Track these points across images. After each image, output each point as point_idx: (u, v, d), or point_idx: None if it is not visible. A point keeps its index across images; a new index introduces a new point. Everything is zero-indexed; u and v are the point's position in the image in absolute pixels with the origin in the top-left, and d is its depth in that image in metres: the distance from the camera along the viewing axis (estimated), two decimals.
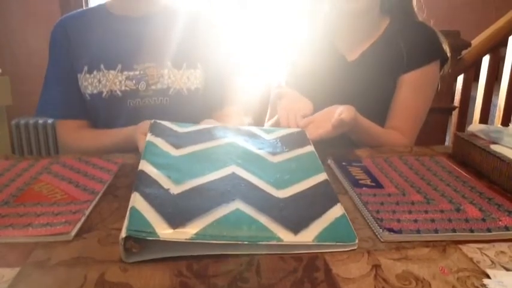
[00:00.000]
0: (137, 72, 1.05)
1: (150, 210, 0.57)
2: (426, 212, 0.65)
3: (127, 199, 0.68)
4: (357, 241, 0.57)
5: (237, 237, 0.55)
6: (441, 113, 2.00)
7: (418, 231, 0.59)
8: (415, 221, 0.62)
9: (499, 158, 0.76)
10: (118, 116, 1.06)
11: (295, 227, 0.57)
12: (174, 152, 0.74)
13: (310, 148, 0.81)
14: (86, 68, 1.05)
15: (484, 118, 2.18)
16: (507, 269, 0.52)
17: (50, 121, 2.68)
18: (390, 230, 0.59)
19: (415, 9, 1.14)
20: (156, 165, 0.68)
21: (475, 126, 0.93)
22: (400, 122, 1.10)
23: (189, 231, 0.54)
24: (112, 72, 1.04)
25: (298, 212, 0.61)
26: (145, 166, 0.68)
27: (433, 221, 0.62)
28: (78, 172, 0.79)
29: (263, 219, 0.58)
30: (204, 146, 0.77)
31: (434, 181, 0.76)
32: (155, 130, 0.79)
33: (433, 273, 0.51)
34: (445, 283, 0.49)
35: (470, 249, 0.56)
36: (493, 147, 0.82)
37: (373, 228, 0.61)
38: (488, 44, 2.05)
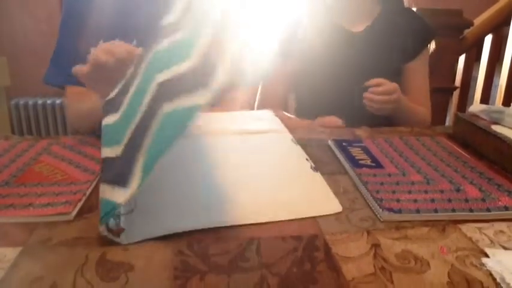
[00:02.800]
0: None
1: (107, 188, 0.56)
2: (426, 192, 0.65)
3: None
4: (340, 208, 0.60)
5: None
6: (442, 93, 1.99)
7: (418, 211, 0.59)
8: (415, 200, 0.62)
9: (500, 139, 0.76)
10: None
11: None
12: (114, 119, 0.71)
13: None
14: (101, 42, 1.03)
15: (485, 98, 2.17)
16: (506, 248, 0.52)
17: (49, 101, 2.67)
18: (390, 210, 0.59)
19: None
20: (109, 143, 0.66)
21: (476, 106, 0.93)
22: (419, 99, 1.21)
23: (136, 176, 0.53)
24: None
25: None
26: (103, 152, 0.65)
27: (432, 200, 0.62)
28: (79, 153, 0.79)
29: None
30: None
31: (434, 161, 0.76)
32: (107, 107, 0.76)
33: (432, 252, 0.52)
34: (444, 262, 0.50)
35: (469, 229, 0.57)
36: (494, 127, 0.82)
37: (372, 208, 0.61)
38: (491, 23, 2.02)
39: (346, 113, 1.06)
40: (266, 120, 0.90)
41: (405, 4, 1.27)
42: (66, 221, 0.57)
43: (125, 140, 0.60)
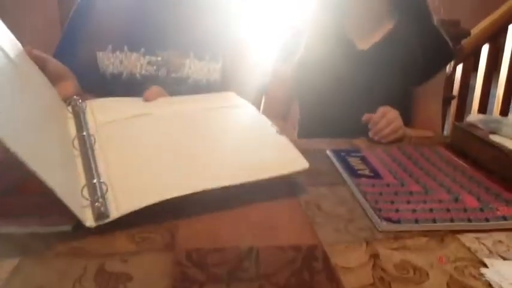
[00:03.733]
0: (159, 58, 1.04)
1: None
2: (424, 202, 0.65)
3: None
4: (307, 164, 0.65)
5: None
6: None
7: (417, 221, 0.59)
8: (414, 211, 0.62)
9: (498, 148, 0.76)
10: None
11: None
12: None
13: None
14: (110, 47, 1.04)
15: (483, 108, 2.18)
16: (504, 258, 0.52)
17: None
18: (388, 220, 0.59)
19: (428, 5, 1.14)
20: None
21: (473, 116, 0.93)
22: (430, 126, 1.16)
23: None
24: (135, 54, 1.03)
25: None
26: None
27: (431, 210, 0.62)
28: None
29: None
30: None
31: (432, 171, 0.76)
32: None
33: (431, 262, 0.52)
34: (443, 272, 0.50)
35: (468, 239, 0.57)
36: (492, 137, 0.82)
37: (371, 218, 0.61)
38: (488, 33, 2.04)
39: (349, 126, 1.05)
40: (229, 98, 0.91)
41: (431, 15, 1.14)
42: (65, 232, 0.57)
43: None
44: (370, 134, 0.96)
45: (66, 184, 0.57)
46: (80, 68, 1.07)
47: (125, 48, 1.03)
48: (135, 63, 1.04)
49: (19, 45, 0.78)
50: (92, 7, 1.07)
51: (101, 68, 1.06)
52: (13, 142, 0.46)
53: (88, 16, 1.06)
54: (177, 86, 1.05)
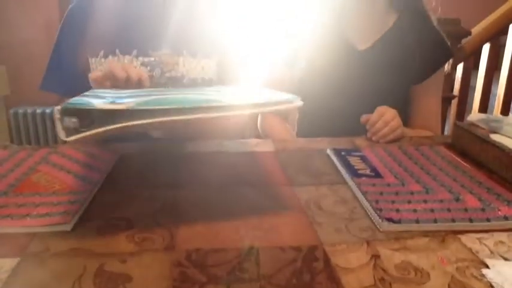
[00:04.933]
0: (152, 59, 1.04)
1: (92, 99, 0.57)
2: (425, 201, 0.65)
3: (126, 189, 0.68)
4: (299, 99, 0.61)
5: (181, 102, 0.55)
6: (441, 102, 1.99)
7: (417, 221, 0.59)
8: (414, 210, 0.62)
9: (499, 148, 0.76)
10: None
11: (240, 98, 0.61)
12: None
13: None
14: (102, 53, 1.04)
15: (484, 107, 2.18)
16: (506, 259, 0.52)
17: (48, 110, 2.67)
18: (389, 220, 0.59)
19: (425, 5, 1.14)
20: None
21: (474, 115, 0.93)
22: (429, 124, 1.15)
23: (129, 104, 0.53)
24: (127, 57, 1.03)
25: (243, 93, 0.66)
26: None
27: (432, 210, 0.62)
28: (77, 162, 0.78)
29: (205, 97, 0.60)
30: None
31: (433, 171, 0.76)
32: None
33: (432, 263, 0.51)
34: (444, 273, 0.49)
35: (469, 239, 0.56)
36: (493, 136, 0.82)
37: (372, 218, 0.61)
38: (489, 32, 2.03)
39: (349, 125, 1.05)
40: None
41: (428, 14, 1.14)
42: (64, 232, 0.57)
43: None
44: (368, 134, 0.96)
45: None
46: (75, 76, 1.07)
47: (117, 51, 1.03)
48: None
49: None
50: (81, 15, 1.06)
51: None
52: None
53: (78, 24, 1.06)
54: (173, 86, 1.04)
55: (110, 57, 1.03)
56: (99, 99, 0.58)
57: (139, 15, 1.05)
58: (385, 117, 0.95)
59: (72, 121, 0.51)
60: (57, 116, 0.50)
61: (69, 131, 0.51)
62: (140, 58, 1.03)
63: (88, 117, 0.51)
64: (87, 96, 0.62)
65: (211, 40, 1.08)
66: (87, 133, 0.50)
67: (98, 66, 1.04)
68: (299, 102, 0.58)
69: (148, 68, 1.04)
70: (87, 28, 1.05)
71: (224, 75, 1.11)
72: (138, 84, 0.85)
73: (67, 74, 1.07)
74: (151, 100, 0.56)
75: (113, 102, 0.54)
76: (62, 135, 0.51)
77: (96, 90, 0.70)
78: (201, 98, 0.59)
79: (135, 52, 1.03)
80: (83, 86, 1.06)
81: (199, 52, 1.07)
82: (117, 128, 0.51)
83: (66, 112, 0.51)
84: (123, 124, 0.51)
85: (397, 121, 0.97)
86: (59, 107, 0.51)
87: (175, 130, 0.94)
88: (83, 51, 1.05)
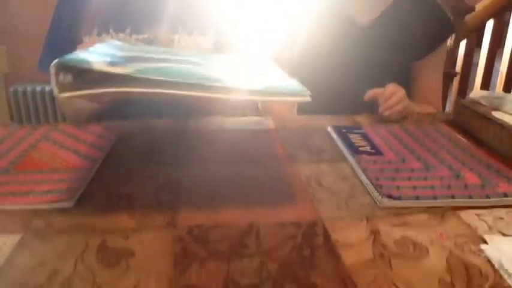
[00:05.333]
0: (146, 36, 1.03)
1: (90, 56, 0.54)
2: (425, 178, 0.65)
3: (127, 167, 0.68)
4: (309, 94, 0.55)
5: (182, 76, 0.52)
6: (443, 78, 1.98)
7: (417, 198, 0.59)
8: (414, 187, 0.62)
9: (500, 125, 0.76)
10: None
11: (243, 82, 0.56)
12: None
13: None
14: (95, 30, 1.03)
15: (486, 84, 2.16)
16: (504, 235, 0.53)
17: (47, 88, 2.65)
18: (389, 197, 0.59)
19: None
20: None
21: (476, 92, 0.92)
22: (430, 100, 1.14)
23: (127, 69, 0.51)
24: (121, 35, 1.02)
25: (247, 75, 0.61)
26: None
27: (432, 187, 0.62)
28: (77, 140, 0.78)
29: (209, 72, 0.57)
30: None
31: (434, 148, 0.76)
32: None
33: (431, 238, 0.52)
34: (443, 248, 0.50)
35: (468, 215, 0.57)
36: (495, 113, 0.81)
37: (372, 195, 0.61)
38: (492, 8, 2.00)
39: (350, 105, 1.04)
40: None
41: None
42: (66, 209, 0.57)
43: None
44: (381, 109, 0.95)
45: None
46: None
47: (110, 29, 1.02)
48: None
49: None
50: None
51: None
52: None
53: (73, 2, 1.05)
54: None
55: (104, 35, 1.02)
56: (98, 58, 0.55)
57: None
58: (399, 94, 0.95)
59: (67, 78, 0.49)
60: (52, 71, 0.49)
61: (63, 87, 0.49)
62: (134, 36, 1.02)
63: (84, 76, 0.50)
64: (88, 51, 0.58)
65: (208, 18, 1.07)
66: (82, 92, 0.49)
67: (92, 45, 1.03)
68: (307, 98, 0.54)
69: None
70: (81, 6, 1.03)
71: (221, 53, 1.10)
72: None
73: (63, 53, 1.06)
74: (152, 68, 0.53)
75: (112, 64, 0.52)
76: (55, 91, 0.49)
77: (98, 46, 0.65)
78: (203, 73, 0.56)
79: (129, 30, 1.02)
80: None
81: (195, 29, 1.05)
82: (113, 93, 0.49)
83: (62, 68, 0.49)
84: (120, 89, 0.49)
85: (407, 100, 0.97)
86: (56, 61, 0.49)
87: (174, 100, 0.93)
88: (77, 31, 1.04)
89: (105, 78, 0.49)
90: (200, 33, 1.06)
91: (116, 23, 1.02)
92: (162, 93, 0.50)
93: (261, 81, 0.57)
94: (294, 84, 0.59)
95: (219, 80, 0.54)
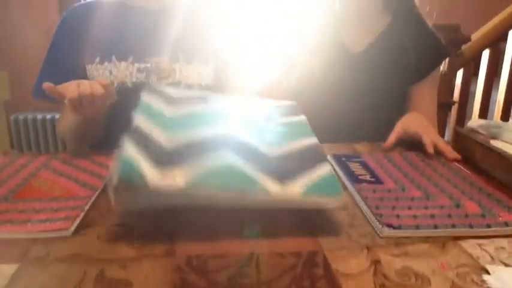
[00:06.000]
0: (148, 65, 1.04)
1: (142, 160, 0.57)
2: (426, 207, 0.65)
3: None
4: (342, 196, 0.59)
5: (227, 188, 0.56)
6: (440, 108, 1.98)
7: (418, 227, 0.59)
8: (415, 216, 0.62)
9: (499, 154, 0.76)
10: (127, 108, 1.04)
11: (283, 179, 0.59)
12: (168, 113, 0.73)
13: (302, 117, 0.82)
14: (97, 59, 1.04)
15: (484, 113, 2.18)
16: (507, 265, 0.52)
17: (48, 116, 2.67)
18: (390, 226, 0.59)
19: (417, 4, 1.15)
20: (149, 120, 0.68)
21: (474, 121, 0.93)
22: (427, 120, 1.11)
23: (179, 180, 0.54)
24: (123, 63, 1.03)
25: (287, 166, 0.63)
26: (139, 120, 0.68)
27: (432, 216, 0.62)
28: (77, 168, 0.78)
29: (252, 171, 0.59)
30: (197, 109, 0.77)
31: (433, 177, 0.76)
32: (149, 91, 0.79)
33: (433, 269, 0.51)
34: (445, 279, 0.49)
35: (469, 245, 0.56)
36: (493, 142, 0.82)
37: (372, 224, 0.61)
38: (488, 38, 2.04)
39: (345, 130, 1.05)
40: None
41: (422, 16, 1.14)
42: (65, 237, 0.57)
43: (180, 139, 0.64)
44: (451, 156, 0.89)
45: None
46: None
47: (113, 58, 1.04)
48: (124, 72, 1.04)
49: None
50: (76, 20, 1.07)
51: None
52: None
53: (73, 30, 1.06)
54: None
55: (106, 63, 1.03)
56: (147, 152, 0.59)
57: (133, 22, 1.06)
58: (438, 138, 0.92)
59: (126, 195, 0.54)
60: (111, 188, 0.53)
61: (122, 204, 0.54)
62: (136, 64, 1.04)
63: (141, 192, 0.54)
64: (134, 144, 0.61)
65: (208, 47, 1.08)
66: (139, 208, 0.54)
67: (95, 73, 1.04)
68: (340, 202, 0.59)
69: (145, 74, 1.04)
70: (83, 34, 1.05)
71: (221, 82, 1.11)
72: (96, 97, 0.83)
73: (61, 80, 1.07)
74: (203, 173, 0.57)
75: (163, 165, 0.56)
76: (113, 202, 0.53)
77: (145, 103, 0.71)
78: (247, 172, 0.59)
79: (131, 59, 1.04)
80: None
81: (194, 58, 1.07)
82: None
83: (122, 185, 0.53)
84: (172, 204, 0.54)
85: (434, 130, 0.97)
86: (115, 180, 0.52)
87: None
88: (80, 58, 1.05)
89: (160, 194, 0.54)
90: (200, 62, 1.07)
91: (118, 52, 1.04)
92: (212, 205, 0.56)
93: (300, 174, 0.61)
94: (329, 179, 0.62)
95: (265, 189, 0.57)
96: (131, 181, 0.53)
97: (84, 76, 1.05)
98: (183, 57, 1.06)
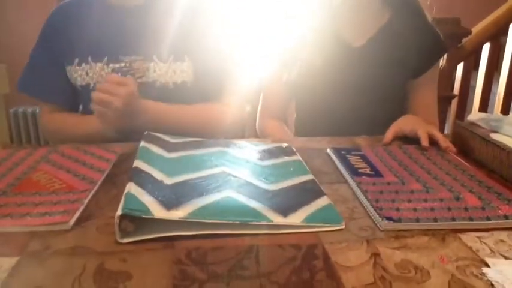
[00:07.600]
0: (123, 65, 1.04)
1: (145, 195, 0.60)
2: (425, 200, 0.65)
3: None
4: (343, 223, 0.59)
5: (228, 218, 0.58)
6: (440, 101, 1.98)
7: (418, 220, 0.59)
8: (415, 209, 0.62)
9: (499, 147, 0.76)
10: None
11: (285, 211, 0.60)
12: (167, 155, 0.78)
13: (297, 157, 0.82)
14: (76, 60, 1.05)
15: (484, 107, 2.18)
16: (506, 258, 0.52)
17: None
18: (389, 219, 0.59)
19: (418, 1, 1.14)
20: (149, 163, 0.72)
21: (474, 115, 0.93)
22: (427, 118, 1.12)
23: (182, 213, 0.57)
24: (98, 64, 1.04)
25: (287, 200, 0.64)
26: (139, 163, 0.71)
27: (432, 209, 0.62)
28: (77, 161, 0.78)
29: (253, 204, 0.61)
30: (195, 152, 0.81)
31: (433, 170, 0.76)
32: (147, 138, 0.83)
33: (432, 261, 0.51)
34: (444, 272, 0.49)
35: (469, 238, 0.56)
36: (493, 135, 0.82)
37: (372, 217, 0.61)
38: (489, 32, 2.03)
39: (346, 125, 1.05)
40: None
41: (422, 10, 1.14)
42: (64, 231, 0.57)
43: (181, 178, 0.68)
44: (443, 146, 0.88)
45: None
46: (54, 83, 1.09)
47: (89, 59, 1.04)
48: (100, 72, 1.04)
49: None
50: (59, 21, 1.08)
51: (72, 82, 1.08)
52: None
53: (56, 31, 1.08)
54: (145, 91, 1.00)
55: (84, 64, 1.04)
56: (150, 189, 0.62)
57: (108, 23, 1.05)
58: (432, 129, 0.93)
59: (130, 226, 0.56)
60: (116, 220, 0.54)
61: (125, 234, 0.55)
62: (111, 65, 1.04)
63: (145, 223, 0.56)
64: (136, 182, 0.64)
65: (183, 44, 1.05)
66: (143, 237, 0.55)
67: (74, 74, 1.05)
68: (342, 226, 0.59)
69: (119, 74, 1.03)
70: (64, 36, 1.07)
71: (204, 76, 1.08)
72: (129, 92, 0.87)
73: (42, 79, 1.09)
74: (204, 208, 0.59)
75: (168, 206, 0.58)
76: (117, 236, 0.54)
77: (143, 166, 0.71)
78: (251, 210, 0.61)
79: (106, 59, 1.03)
80: (63, 93, 1.08)
81: (170, 56, 1.05)
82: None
83: (126, 217, 0.55)
84: (178, 233, 0.55)
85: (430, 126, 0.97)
86: (119, 212, 0.54)
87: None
88: (60, 60, 1.06)
89: (164, 223, 0.56)
90: (175, 59, 1.05)
91: (94, 53, 1.04)
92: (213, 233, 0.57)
93: (298, 206, 0.63)
94: (328, 209, 0.63)
95: (267, 218, 0.59)
96: (136, 211, 0.55)
97: (65, 76, 1.06)
98: (157, 56, 1.04)
